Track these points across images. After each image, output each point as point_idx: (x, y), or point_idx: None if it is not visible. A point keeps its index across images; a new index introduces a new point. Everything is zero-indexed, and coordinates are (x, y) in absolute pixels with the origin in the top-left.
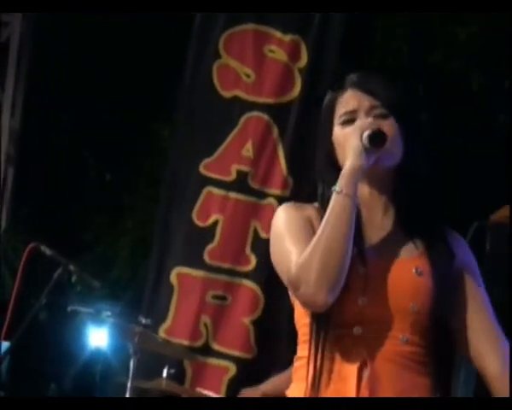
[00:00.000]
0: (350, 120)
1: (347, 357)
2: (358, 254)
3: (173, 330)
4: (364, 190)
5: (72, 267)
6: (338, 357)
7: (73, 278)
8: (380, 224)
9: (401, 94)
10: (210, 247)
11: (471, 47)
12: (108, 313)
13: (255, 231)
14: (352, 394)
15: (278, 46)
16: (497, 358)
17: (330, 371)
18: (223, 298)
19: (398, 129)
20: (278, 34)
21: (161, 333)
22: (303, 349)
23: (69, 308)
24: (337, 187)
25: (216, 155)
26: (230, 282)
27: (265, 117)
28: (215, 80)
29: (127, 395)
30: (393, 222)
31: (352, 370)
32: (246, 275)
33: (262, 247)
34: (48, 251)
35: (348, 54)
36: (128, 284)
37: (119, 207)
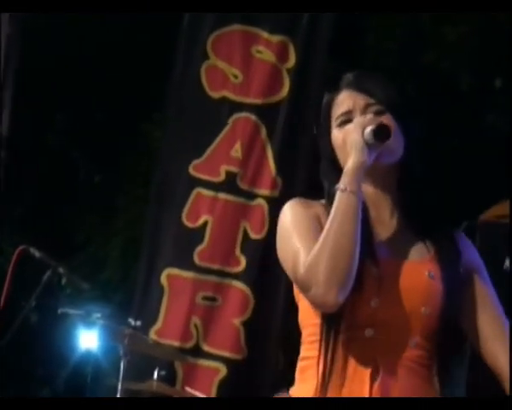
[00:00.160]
0: (346, 120)
1: (358, 359)
2: (369, 253)
3: (164, 331)
4: (369, 189)
5: (61, 270)
6: (348, 359)
7: (63, 281)
8: (388, 223)
9: (397, 91)
10: (200, 248)
11: (461, 47)
12: (98, 315)
13: (245, 232)
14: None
15: (266, 47)
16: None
17: (341, 373)
18: (213, 299)
19: (396, 125)
20: (266, 35)
21: (152, 335)
22: (309, 350)
23: (59, 310)
24: (341, 185)
25: (205, 156)
26: (220, 283)
27: (254, 118)
28: (203, 81)
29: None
30: (401, 222)
31: (363, 373)
32: (236, 276)
33: (252, 248)
34: (37, 253)
35: (341, 55)
36: (118, 286)
37: (110, 208)
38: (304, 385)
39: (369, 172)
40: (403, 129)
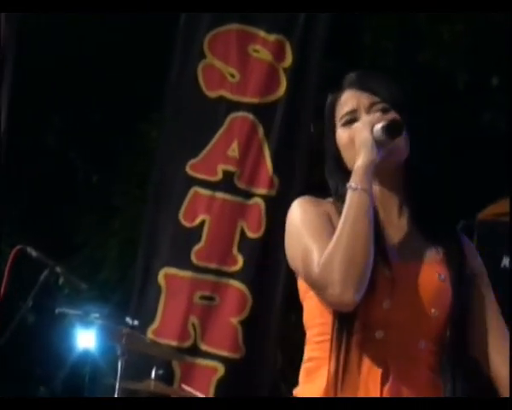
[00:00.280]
0: (351, 120)
1: (368, 361)
2: (381, 254)
3: (161, 330)
4: (376, 189)
5: (58, 269)
6: (358, 361)
7: (61, 281)
8: (397, 224)
9: (400, 89)
10: (197, 247)
11: (457, 46)
12: (96, 315)
13: (242, 231)
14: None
15: (262, 46)
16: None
17: (356, 374)
18: (210, 298)
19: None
20: (262, 34)
21: (150, 334)
22: (316, 350)
23: (57, 311)
24: (352, 183)
25: (202, 155)
26: (218, 282)
27: (251, 117)
28: (200, 80)
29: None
30: (409, 223)
31: (374, 375)
32: (233, 275)
33: (249, 247)
34: (34, 253)
35: (338, 54)
36: (116, 286)
37: (108, 208)
38: (310, 386)
39: (377, 171)
40: (407, 127)
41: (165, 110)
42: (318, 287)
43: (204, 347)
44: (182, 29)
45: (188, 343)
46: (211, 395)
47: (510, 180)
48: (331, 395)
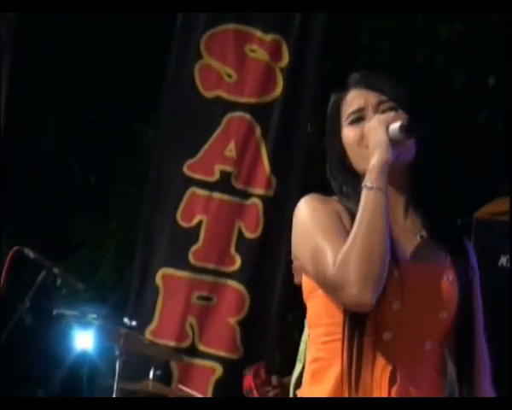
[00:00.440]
0: (358, 118)
1: (378, 362)
2: (391, 255)
3: (159, 331)
4: None
5: (56, 270)
6: (367, 362)
7: (58, 281)
8: (403, 224)
9: (404, 89)
10: (194, 247)
11: (454, 45)
12: (94, 316)
13: (239, 231)
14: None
15: (259, 46)
16: (489, 380)
17: (370, 376)
18: (208, 299)
19: None
20: (259, 34)
21: (147, 334)
22: (322, 350)
23: (55, 311)
24: (367, 182)
25: (199, 155)
26: (215, 282)
27: (248, 117)
28: (197, 81)
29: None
30: (416, 224)
31: (382, 376)
32: (231, 275)
33: (246, 247)
34: (31, 254)
35: (335, 54)
36: (114, 286)
37: (105, 209)
38: (316, 388)
39: (388, 171)
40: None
41: (162, 110)
42: (335, 287)
43: (202, 347)
44: (178, 29)
45: (186, 344)
46: (209, 395)
47: (510, 180)
48: (341, 395)
